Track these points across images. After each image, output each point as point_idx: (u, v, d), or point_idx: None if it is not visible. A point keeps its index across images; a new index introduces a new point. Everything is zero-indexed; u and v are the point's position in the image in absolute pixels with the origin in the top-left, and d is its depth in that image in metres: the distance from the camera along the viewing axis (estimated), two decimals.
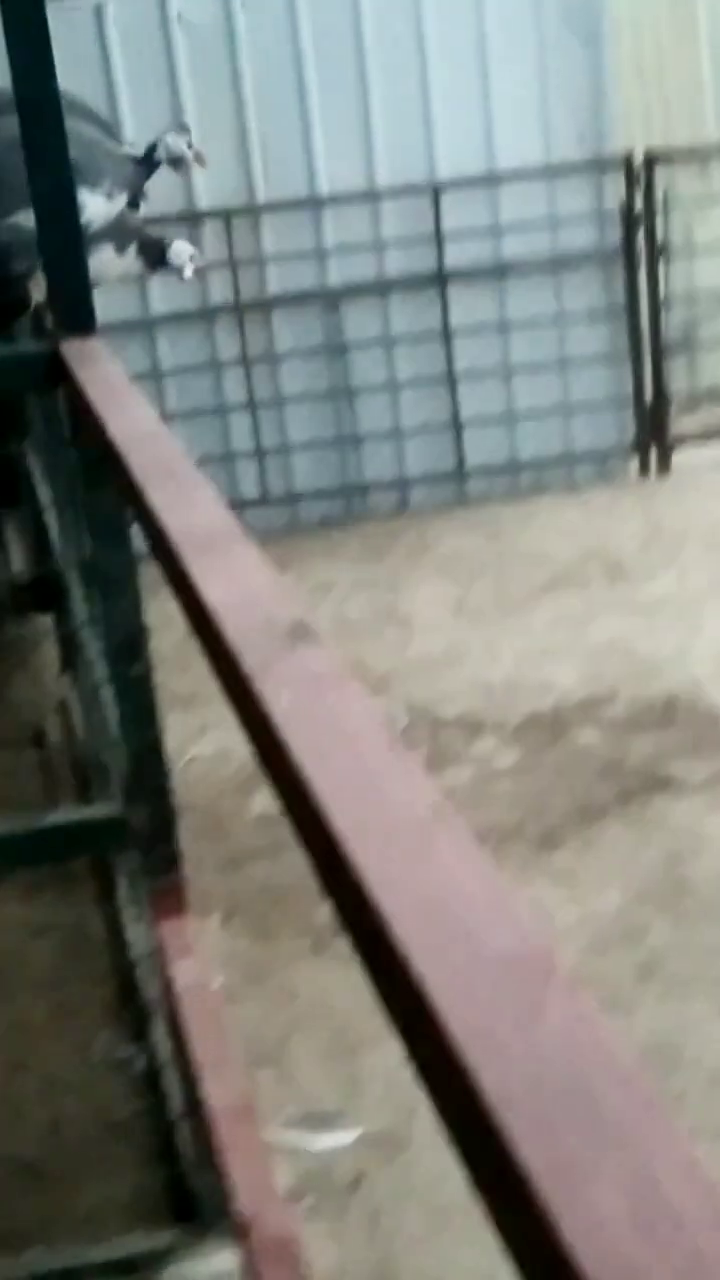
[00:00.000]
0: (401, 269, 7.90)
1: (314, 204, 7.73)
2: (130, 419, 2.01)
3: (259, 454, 8.01)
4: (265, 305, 7.86)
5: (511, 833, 4.90)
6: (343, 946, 3.02)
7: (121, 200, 3.74)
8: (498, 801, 5.11)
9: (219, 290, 7.79)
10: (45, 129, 2.58)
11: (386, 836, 0.85)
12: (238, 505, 8.01)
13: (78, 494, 3.09)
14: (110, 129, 4.42)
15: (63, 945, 4.05)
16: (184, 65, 7.42)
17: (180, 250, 4.47)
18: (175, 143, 4.28)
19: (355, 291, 7.89)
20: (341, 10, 7.52)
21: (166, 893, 2.91)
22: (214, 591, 1.35)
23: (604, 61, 7.72)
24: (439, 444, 8.23)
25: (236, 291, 7.74)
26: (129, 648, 2.79)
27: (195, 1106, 2.59)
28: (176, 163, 4.30)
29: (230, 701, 1.24)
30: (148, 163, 4.03)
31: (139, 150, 4.35)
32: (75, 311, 2.62)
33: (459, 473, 8.24)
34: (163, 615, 6.19)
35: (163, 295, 7.75)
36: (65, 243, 2.60)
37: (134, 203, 4.39)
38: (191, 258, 4.53)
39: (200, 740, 5.78)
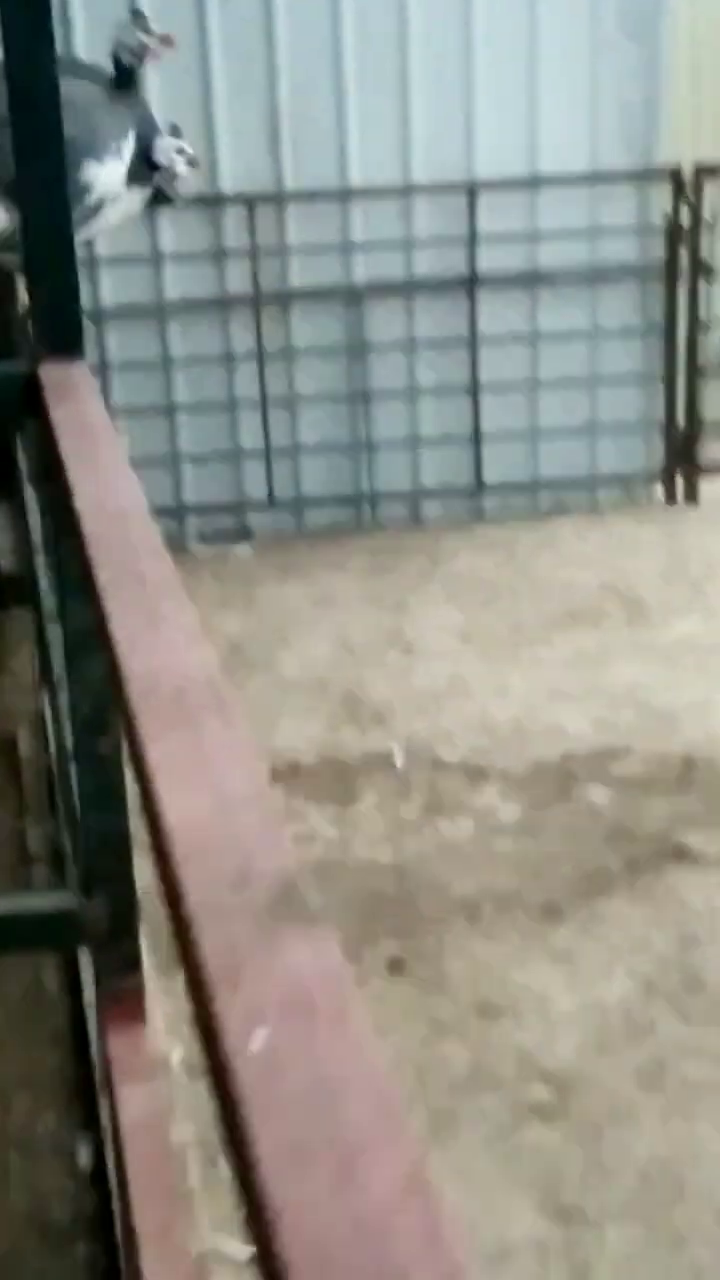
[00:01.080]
0: (430, 270, 7.50)
1: (343, 196, 7.33)
2: (102, 486, 1.62)
3: (268, 454, 7.62)
4: (285, 298, 7.47)
5: (509, 900, 4.52)
6: None
7: (129, 145, 3.34)
8: (496, 863, 4.73)
9: (237, 279, 7.40)
10: (38, 120, 2.20)
11: None
12: (243, 506, 7.65)
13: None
14: (98, 73, 4.01)
15: (12, 1010, 3.66)
16: (217, 39, 7.02)
17: (164, 147, 4.01)
18: (129, 35, 3.88)
19: (380, 290, 7.50)
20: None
21: (122, 997, 2.54)
22: (175, 804, 0.96)
23: (660, 66, 7.32)
24: (457, 456, 7.84)
25: (255, 282, 7.35)
26: (94, 716, 2.41)
27: (129, 1235, 2.22)
28: (142, 57, 3.91)
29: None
30: (122, 78, 3.64)
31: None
32: (60, 330, 2.23)
33: (476, 488, 7.86)
34: None
35: (176, 280, 7.36)
36: (52, 249, 2.21)
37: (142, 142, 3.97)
38: (180, 151, 4.07)
39: None
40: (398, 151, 7.34)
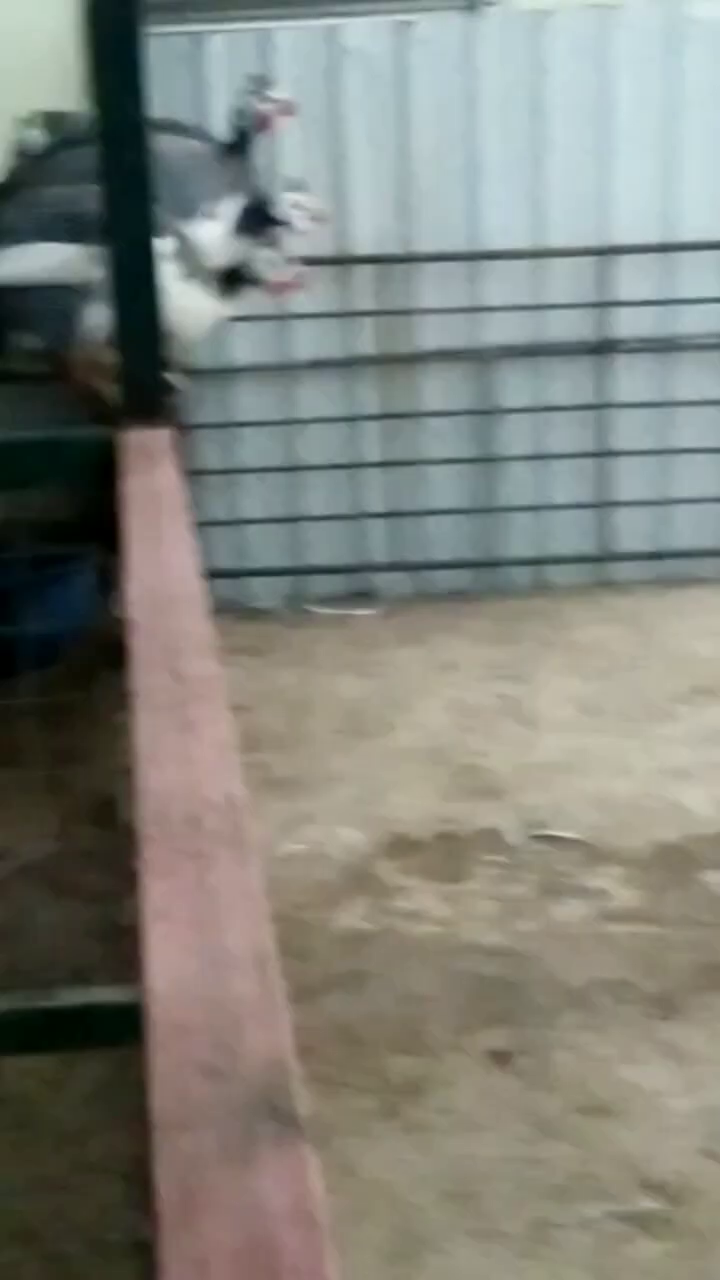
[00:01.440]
0: (562, 334, 7.36)
1: (473, 258, 7.22)
2: (158, 567, 1.50)
3: (391, 516, 7.51)
4: (411, 360, 7.37)
5: (622, 991, 4.32)
6: (416, 1113, 2.42)
7: (226, 212, 3.22)
8: (610, 950, 4.53)
9: (365, 341, 7.31)
10: (129, 169, 2.09)
11: None
12: (366, 569, 7.54)
13: None
14: (199, 133, 3.88)
15: (91, 1096, 3.54)
16: (349, 100, 6.96)
17: (285, 201, 3.84)
18: (247, 103, 3.72)
19: (510, 353, 7.37)
20: (524, 54, 7.02)
21: None
22: (164, 961, 0.83)
23: None
24: (585, 522, 7.67)
25: (384, 343, 7.25)
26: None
27: None
28: (263, 123, 3.75)
29: None
30: (237, 144, 3.50)
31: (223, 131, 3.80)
32: (143, 395, 2.13)
33: (604, 555, 7.68)
34: (269, 683, 5.68)
35: (305, 340, 7.29)
36: (138, 309, 2.11)
37: (253, 199, 3.83)
38: (302, 206, 3.89)
39: (295, 834, 5.27)
40: (531, 214, 7.22)
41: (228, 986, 0.78)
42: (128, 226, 2.08)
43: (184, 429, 2.68)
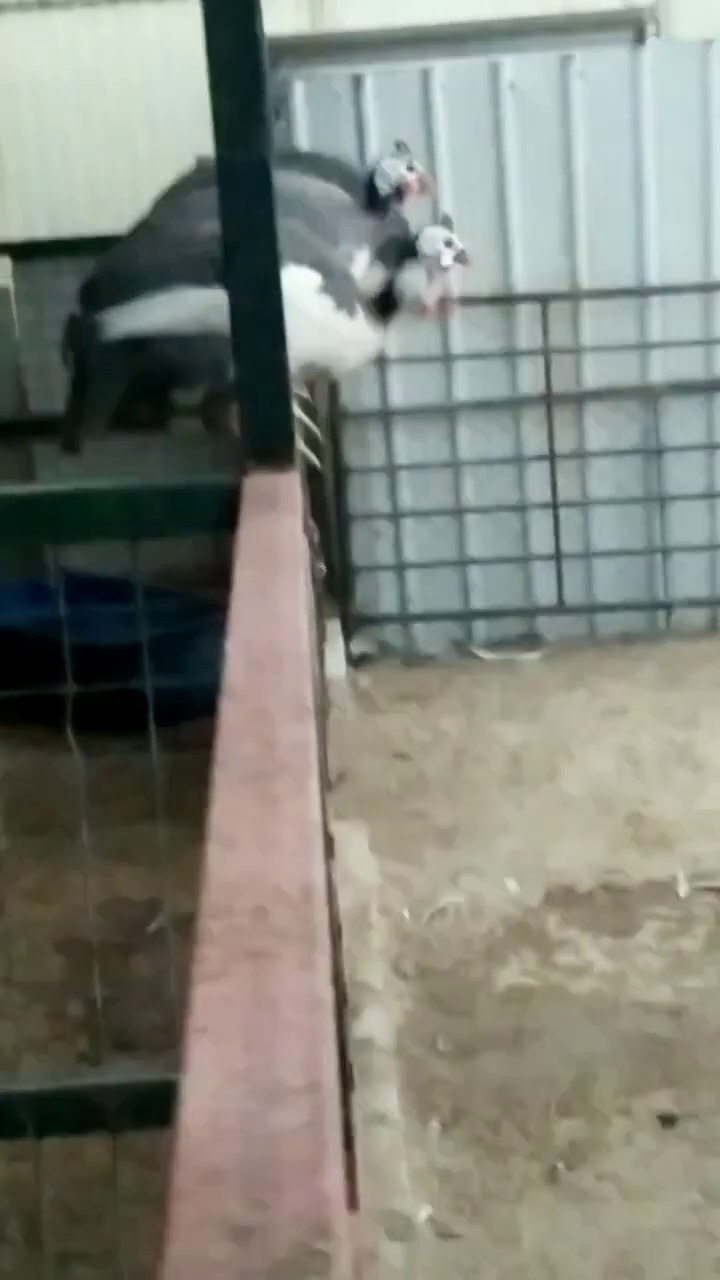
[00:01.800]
0: None
1: (640, 294, 7.07)
2: (262, 623, 1.41)
3: (559, 558, 7.36)
4: (578, 399, 7.23)
5: None
6: (580, 1179, 2.26)
7: (363, 259, 3.11)
8: None
9: (529, 380, 7.19)
10: (250, 208, 2.01)
11: None
12: (532, 612, 7.40)
13: None
14: (347, 175, 3.77)
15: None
16: (511, 136, 6.87)
17: (432, 237, 3.69)
18: (392, 167, 3.56)
19: (679, 391, 7.19)
20: (688, 83, 6.86)
21: None
22: (203, 1087, 0.72)
23: None
24: None
25: (548, 382, 7.12)
26: None
27: None
28: (400, 193, 3.58)
29: None
30: (374, 202, 3.35)
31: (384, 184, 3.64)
32: (269, 440, 2.04)
33: None
34: (432, 730, 5.55)
35: (467, 380, 7.19)
36: (261, 350, 2.02)
37: (400, 232, 3.69)
38: (449, 243, 3.73)
39: (453, 886, 5.14)
40: (699, 247, 7.05)
41: (272, 1123, 0.67)
42: (248, 266, 1.99)
43: (316, 474, 2.59)
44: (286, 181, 3.17)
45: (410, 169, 3.51)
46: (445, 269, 3.85)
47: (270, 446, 2.05)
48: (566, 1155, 3.78)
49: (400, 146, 3.48)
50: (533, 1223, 3.56)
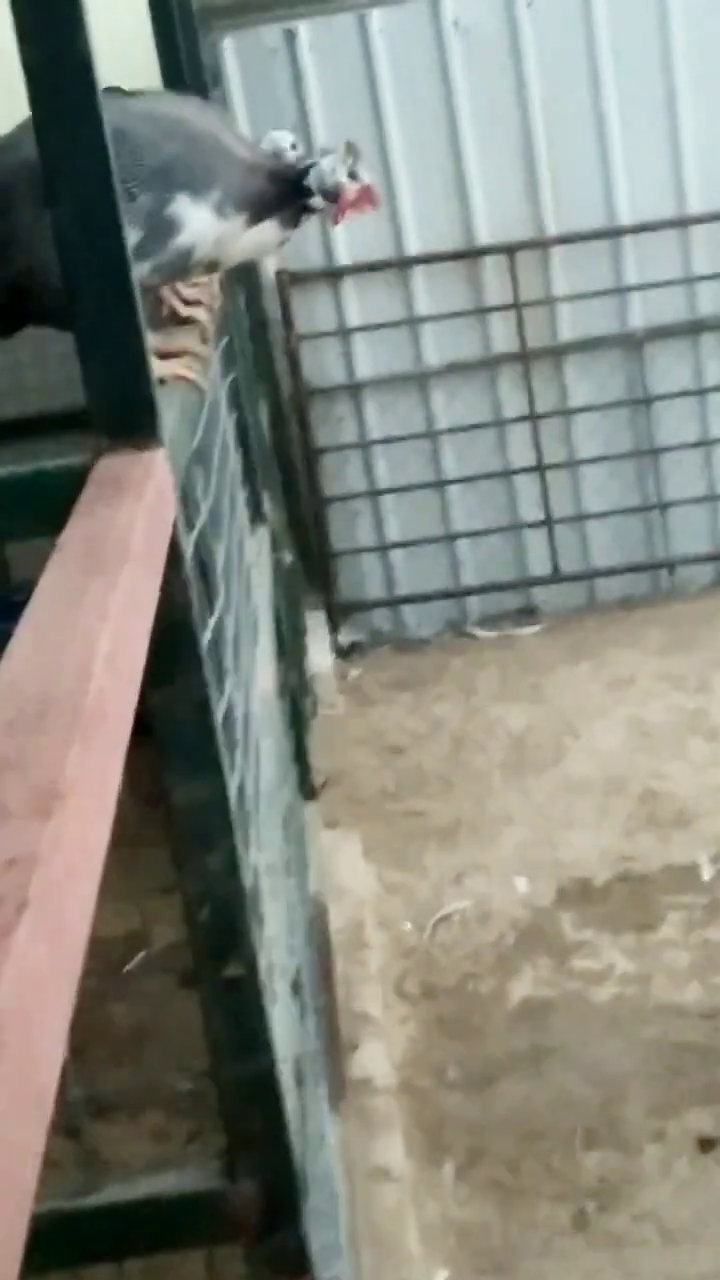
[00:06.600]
0: (717, 308, 6.72)
1: (613, 235, 6.62)
2: (47, 660, 0.99)
3: (549, 524, 6.93)
4: (556, 353, 6.79)
5: None
6: (612, 1221, 1.76)
7: (238, 223, 2.67)
8: None
9: (502, 337, 6.75)
10: (71, 122, 1.58)
11: None
12: (527, 583, 6.98)
13: None
14: (241, 136, 3.28)
15: None
16: (460, 79, 6.42)
17: (329, 168, 3.07)
18: (331, 170, 3.03)
19: (662, 335, 6.75)
20: (645, 10, 6.40)
21: None
22: None
23: None
24: None
25: (522, 338, 6.68)
26: (217, 928, 1.78)
27: None
28: (330, 196, 3.06)
29: None
30: (293, 188, 2.88)
31: (287, 168, 3.15)
32: (124, 409, 1.61)
33: None
34: (428, 719, 5.11)
35: (437, 344, 6.76)
36: (108, 301, 1.60)
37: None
38: (353, 175, 3.09)
39: (457, 890, 4.73)
40: (670, 182, 6.60)
41: None
42: (76, 191, 1.57)
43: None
44: (162, 104, 2.74)
45: (353, 177, 2.97)
46: (344, 211, 3.28)
47: (127, 419, 1.63)
48: (596, 1194, 3.36)
49: (350, 148, 2.97)
50: (563, 1278, 3.14)
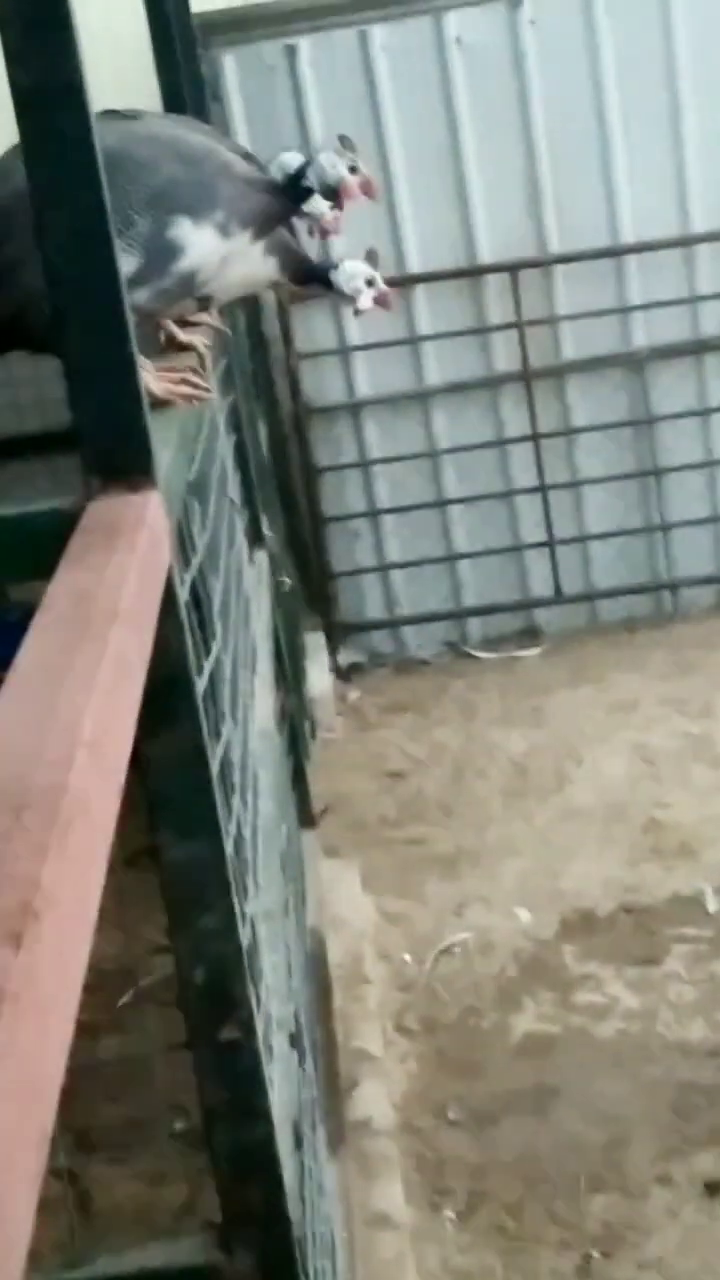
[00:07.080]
0: None
1: (616, 254, 6.56)
2: (26, 739, 0.91)
3: (551, 544, 6.86)
4: (558, 372, 6.72)
5: None
6: (621, 1269, 1.66)
7: (243, 240, 2.60)
8: None
9: (504, 356, 6.68)
10: (61, 151, 1.51)
11: None
12: (527, 605, 6.91)
13: None
14: (242, 150, 3.22)
15: None
16: (463, 96, 6.36)
17: (351, 272, 3.09)
18: (331, 165, 2.98)
19: (665, 355, 6.69)
20: (649, 27, 6.34)
21: None
22: None
23: None
24: None
25: (524, 357, 6.61)
26: (211, 987, 1.70)
27: None
28: (331, 194, 3.01)
29: None
30: (292, 192, 2.82)
31: (280, 175, 3.09)
32: (118, 449, 1.54)
33: None
34: (428, 743, 5.03)
35: (438, 363, 6.69)
36: (99, 339, 1.52)
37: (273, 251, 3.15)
38: (370, 283, 3.12)
39: (457, 921, 4.65)
40: (674, 201, 6.53)
41: None
42: (65, 222, 1.49)
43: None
44: (159, 126, 2.67)
45: (353, 170, 2.93)
46: (360, 313, 3.30)
47: (120, 460, 1.55)
48: (601, 1240, 3.28)
49: (345, 142, 2.91)
50: None
